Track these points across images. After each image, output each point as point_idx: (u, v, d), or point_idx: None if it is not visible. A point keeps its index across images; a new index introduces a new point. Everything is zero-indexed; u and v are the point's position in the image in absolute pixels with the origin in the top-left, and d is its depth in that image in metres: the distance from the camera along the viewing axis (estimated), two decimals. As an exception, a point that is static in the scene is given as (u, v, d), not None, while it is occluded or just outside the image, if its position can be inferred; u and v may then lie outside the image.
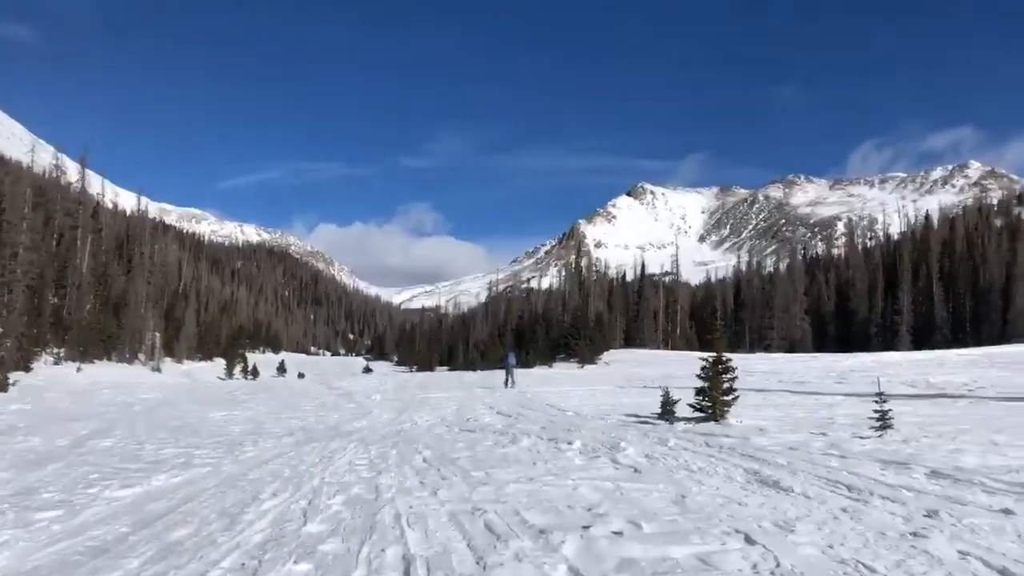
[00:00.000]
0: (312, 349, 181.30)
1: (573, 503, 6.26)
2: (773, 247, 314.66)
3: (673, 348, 67.14)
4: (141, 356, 56.54)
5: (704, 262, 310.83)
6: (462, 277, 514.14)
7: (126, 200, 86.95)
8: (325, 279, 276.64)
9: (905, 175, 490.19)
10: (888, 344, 56.47)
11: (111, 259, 57.83)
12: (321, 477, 7.99)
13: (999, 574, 4.23)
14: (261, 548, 5.15)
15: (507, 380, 27.88)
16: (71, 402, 21.29)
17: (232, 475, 8.35)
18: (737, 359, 13.24)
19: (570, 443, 9.93)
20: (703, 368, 12.38)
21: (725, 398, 12.21)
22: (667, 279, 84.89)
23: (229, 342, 78.26)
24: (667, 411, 12.69)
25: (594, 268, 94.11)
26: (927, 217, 73.36)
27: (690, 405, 12.49)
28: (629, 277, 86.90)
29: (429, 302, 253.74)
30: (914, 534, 4.98)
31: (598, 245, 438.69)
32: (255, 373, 60.78)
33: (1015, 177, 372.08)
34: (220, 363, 65.09)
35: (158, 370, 54.39)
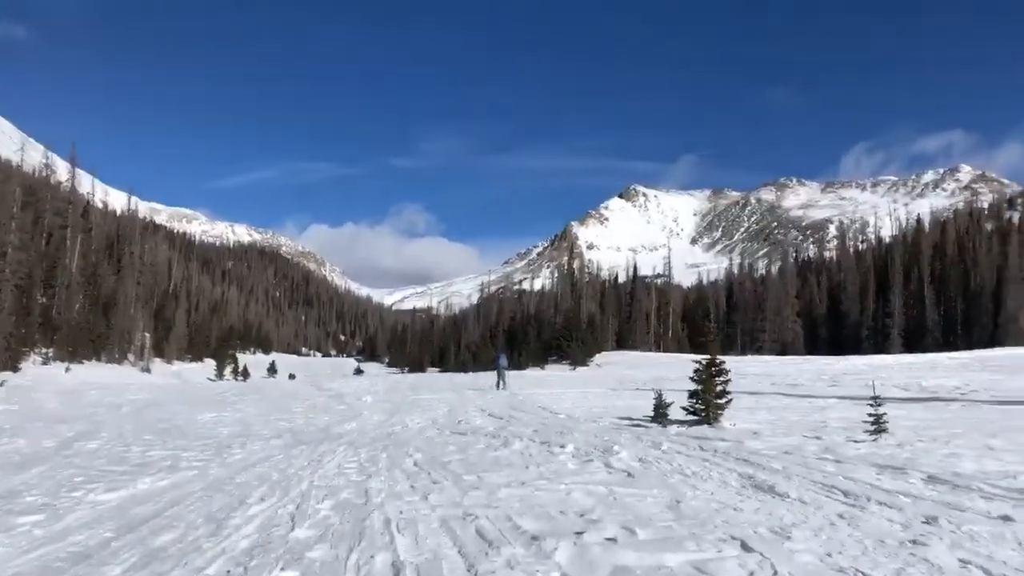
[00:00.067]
0: (303, 350, 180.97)
1: (566, 508, 6.16)
2: (765, 250, 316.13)
3: (665, 350, 67.23)
4: (130, 356, 56.23)
5: (696, 264, 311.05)
6: (454, 278, 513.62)
7: (116, 199, 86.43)
8: (316, 280, 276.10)
9: (896, 178, 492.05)
10: (879, 347, 56.68)
11: (101, 259, 57.53)
12: (310, 481, 7.86)
13: (1001, 583, 4.15)
14: (247, 554, 5.03)
15: (498, 382, 27.79)
16: (59, 403, 21.07)
17: (219, 478, 8.22)
18: (729, 361, 13.16)
19: (563, 446, 9.84)
20: (696, 371, 12.30)
21: (718, 401, 12.15)
22: (659, 281, 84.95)
23: (219, 343, 77.92)
24: (660, 414, 12.62)
25: (586, 270, 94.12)
26: (918, 220, 73.66)
27: (683, 408, 12.41)
28: (621, 279, 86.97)
29: (421, 303, 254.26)
30: (913, 541, 4.89)
31: (590, 247, 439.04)
32: (245, 374, 60.39)
33: (1005, 181, 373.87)
34: (210, 364, 64.65)
35: (147, 371, 54.08)
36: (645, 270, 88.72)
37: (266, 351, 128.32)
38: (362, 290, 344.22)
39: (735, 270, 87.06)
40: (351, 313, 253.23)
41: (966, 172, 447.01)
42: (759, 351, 62.96)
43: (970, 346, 48.23)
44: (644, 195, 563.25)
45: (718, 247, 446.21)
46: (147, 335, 61.82)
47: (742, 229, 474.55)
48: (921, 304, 59.95)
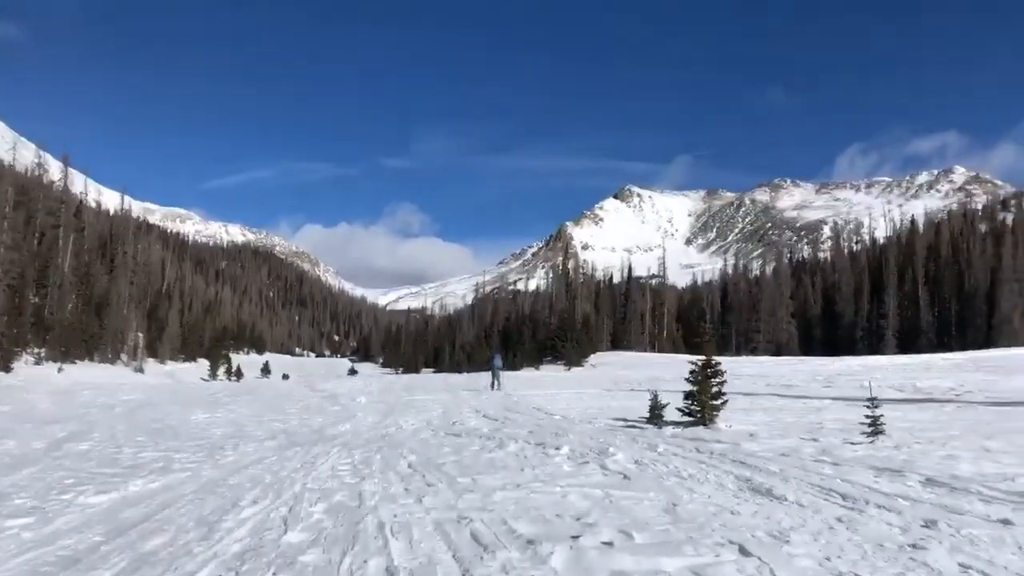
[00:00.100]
0: (297, 350, 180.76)
1: (562, 512, 6.10)
2: (759, 250, 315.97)
3: (659, 350, 67.23)
4: (124, 357, 56.02)
5: (691, 265, 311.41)
6: (448, 279, 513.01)
7: (109, 199, 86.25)
8: (310, 280, 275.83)
9: (891, 179, 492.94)
10: (874, 348, 56.76)
11: (94, 259, 57.30)
12: (303, 483, 7.79)
13: (1002, 589, 4.10)
14: (239, 559, 4.97)
15: (493, 382, 27.75)
16: (51, 403, 20.94)
17: (212, 480, 8.14)
18: (724, 362, 13.12)
19: (558, 448, 9.77)
20: (692, 372, 12.26)
21: (714, 402, 12.10)
22: (654, 282, 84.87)
23: (213, 343, 77.68)
24: (655, 415, 12.56)
25: (581, 270, 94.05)
26: (913, 222, 73.79)
27: (679, 409, 12.37)
28: (616, 279, 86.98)
29: (415, 303, 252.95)
30: (913, 546, 4.85)
31: (585, 247, 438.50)
32: (239, 374, 60.25)
33: (999, 182, 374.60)
34: (204, 364, 64.52)
35: (141, 371, 53.88)
36: (640, 271, 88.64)
37: (260, 351, 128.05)
38: (356, 290, 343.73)
39: (730, 271, 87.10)
40: (345, 313, 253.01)
41: (960, 173, 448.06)
42: (754, 352, 62.99)
43: (964, 347, 48.30)
44: (639, 195, 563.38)
45: (713, 248, 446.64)
46: (140, 335, 61.59)
47: (736, 230, 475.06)
48: (915, 305, 60.05)
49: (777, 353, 60.79)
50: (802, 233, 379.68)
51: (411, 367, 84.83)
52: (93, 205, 70.00)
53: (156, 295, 74.45)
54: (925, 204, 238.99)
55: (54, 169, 58.49)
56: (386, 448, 10.63)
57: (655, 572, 4.46)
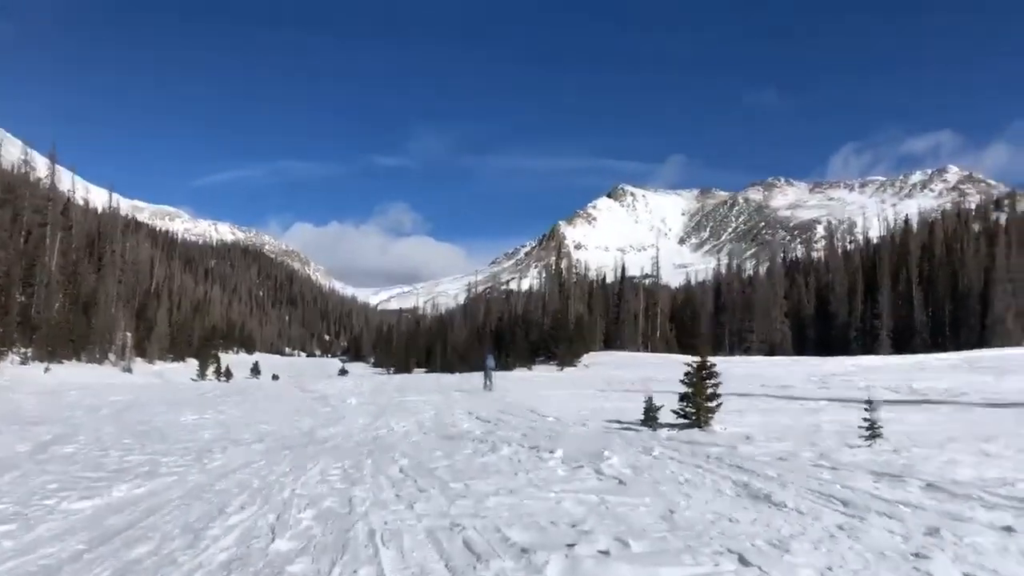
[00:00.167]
0: (287, 350, 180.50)
1: (556, 518, 5.97)
2: (753, 250, 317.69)
3: (653, 350, 67.20)
4: (111, 356, 55.64)
5: (684, 264, 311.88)
6: (440, 278, 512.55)
7: (97, 197, 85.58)
8: (300, 279, 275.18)
9: (884, 179, 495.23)
10: (868, 348, 56.85)
11: (81, 257, 56.89)
12: (292, 488, 7.64)
13: (1010, 600, 3.99)
14: (225, 568, 4.84)
15: (485, 383, 27.63)
16: (37, 404, 20.71)
17: (199, 485, 7.98)
18: (717, 362, 13.01)
19: (552, 452, 9.65)
20: (687, 374, 12.15)
21: (709, 404, 12.00)
22: (647, 281, 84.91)
23: (202, 342, 77.17)
24: (650, 417, 12.46)
25: (574, 270, 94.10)
26: (906, 221, 73.87)
27: (673, 411, 12.26)
28: (609, 279, 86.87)
29: (407, 303, 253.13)
30: (916, 555, 4.74)
31: (578, 247, 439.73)
32: (228, 374, 59.77)
33: (992, 182, 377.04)
34: (193, 364, 64.03)
35: (129, 371, 53.49)
36: (633, 270, 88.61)
37: (249, 351, 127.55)
38: (347, 290, 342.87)
39: (723, 270, 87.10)
40: (336, 313, 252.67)
41: (954, 173, 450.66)
42: (747, 352, 63.02)
43: (958, 347, 48.41)
44: (632, 195, 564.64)
45: (706, 247, 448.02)
46: (128, 335, 61.18)
47: (730, 229, 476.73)
48: (909, 305, 60.14)
49: (771, 353, 60.84)
50: (796, 232, 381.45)
51: (403, 367, 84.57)
52: (81, 203, 69.45)
53: (145, 294, 74.00)
54: (919, 204, 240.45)
55: (41, 166, 57.99)
56: (377, 452, 10.50)
57: (653, 583, 4.34)
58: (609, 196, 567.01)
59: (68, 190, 62.55)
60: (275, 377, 61.18)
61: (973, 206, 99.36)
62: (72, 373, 41.74)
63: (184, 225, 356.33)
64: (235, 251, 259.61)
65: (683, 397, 12.19)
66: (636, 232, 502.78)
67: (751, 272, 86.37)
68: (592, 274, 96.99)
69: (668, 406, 12.43)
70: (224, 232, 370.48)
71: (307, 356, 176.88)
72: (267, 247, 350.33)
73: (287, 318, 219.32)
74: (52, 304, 47.70)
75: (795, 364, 38.41)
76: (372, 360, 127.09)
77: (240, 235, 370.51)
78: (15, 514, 6.50)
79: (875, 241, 77.36)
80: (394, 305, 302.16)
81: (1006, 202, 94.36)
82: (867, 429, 9.49)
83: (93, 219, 69.24)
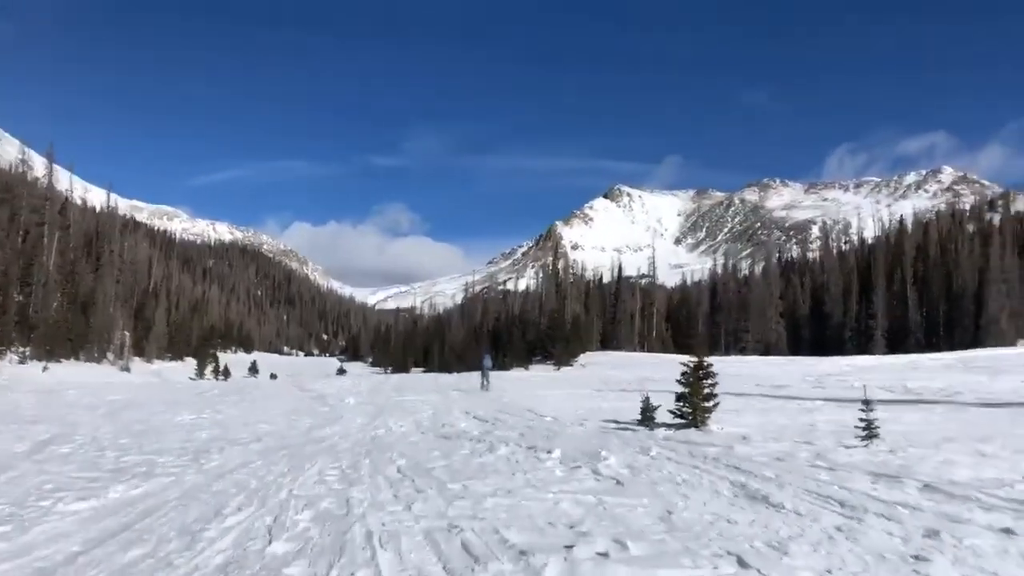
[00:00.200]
0: (285, 349, 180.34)
1: (554, 520, 5.96)
2: (748, 250, 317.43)
3: (649, 350, 67.22)
4: (110, 356, 55.53)
5: (680, 265, 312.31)
6: (438, 278, 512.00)
7: (96, 196, 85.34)
8: (298, 279, 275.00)
9: (879, 179, 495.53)
10: (862, 348, 56.92)
11: (79, 257, 56.74)
12: (289, 489, 7.61)
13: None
14: (221, 571, 4.82)
15: (483, 382, 27.63)
16: (34, 403, 20.62)
17: (195, 486, 7.95)
18: (713, 362, 12.99)
19: (549, 452, 9.63)
20: (683, 374, 12.14)
21: (706, 404, 11.99)
22: (643, 281, 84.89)
23: (200, 342, 77.07)
24: (647, 417, 12.46)
25: (571, 270, 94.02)
26: (901, 221, 74.01)
27: (670, 411, 12.26)
28: (606, 279, 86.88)
29: (404, 303, 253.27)
30: (916, 557, 4.73)
31: (575, 247, 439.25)
32: (226, 374, 59.75)
33: (986, 183, 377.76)
34: (191, 363, 64.00)
35: (127, 370, 53.38)
36: (629, 270, 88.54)
37: (248, 350, 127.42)
38: (345, 289, 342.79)
39: (719, 270, 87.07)
40: (334, 312, 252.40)
41: (948, 174, 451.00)
42: (743, 351, 63.07)
43: (952, 347, 48.51)
44: (628, 195, 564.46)
45: (702, 247, 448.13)
46: (127, 334, 61.10)
47: (726, 229, 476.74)
48: (904, 305, 60.25)
49: (766, 353, 60.89)
50: (791, 233, 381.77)
51: (400, 367, 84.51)
52: (79, 202, 69.22)
53: (143, 294, 73.84)
54: (913, 204, 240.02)
55: (39, 166, 57.83)
56: (375, 452, 10.47)
57: (652, 586, 4.33)
58: (606, 196, 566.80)
59: (66, 189, 62.41)
60: (273, 376, 61.10)
61: (967, 207, 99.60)
62: (70, 372, 41.66)
63: (182, 225, 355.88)
64: (233, 251, 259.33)
65: (680, 397, 12.18)
66: (632, 232, 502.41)
67: (747, 272, 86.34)
68: (589, 274, 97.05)
69: (665, 406, 12.43)
70: (222, 232, 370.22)
71: (305, 355, 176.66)
72: (265, 247, 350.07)
73: (285, 318, 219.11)
74: (50, 303, 47.61)
75: (790, 364, 38.44)
76: (370, 360, 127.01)
77: (238, 235, 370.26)
78: (11, 515, 6.46)
79: (870, 241, 77.44)
80: (392, 305, 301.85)
81: (1000, 203, 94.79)
82: (864, 429, 9.48)
83: (91, 218, 69.06)
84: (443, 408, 18.43)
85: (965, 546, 4.92)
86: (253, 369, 67.79)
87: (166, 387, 34.10)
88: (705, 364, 12.13)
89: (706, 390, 12.04)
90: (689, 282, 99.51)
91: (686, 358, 12.40)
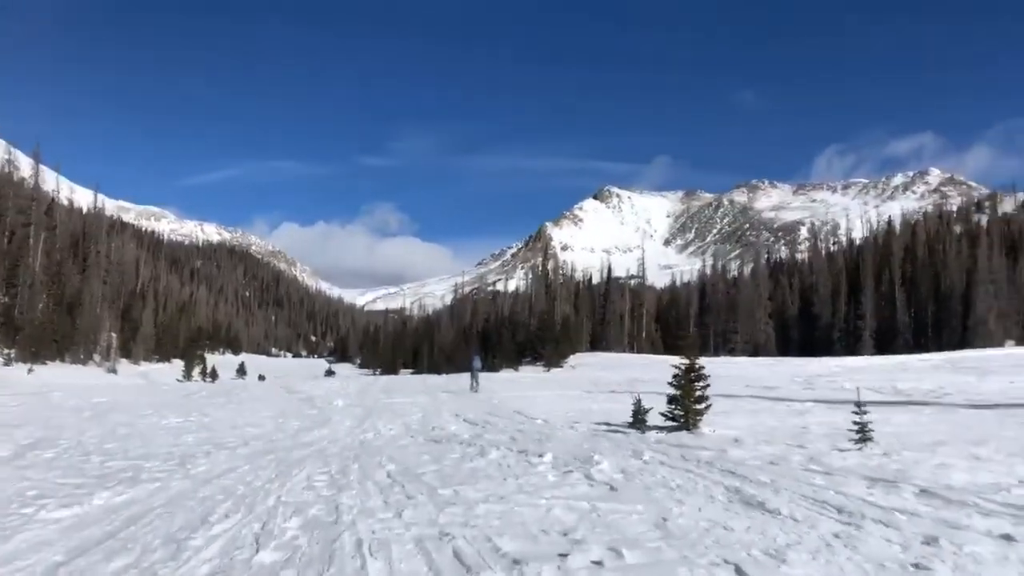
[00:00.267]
0: (273, 351, 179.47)
1: (547, 527, 5.86)
2: (737, 251, 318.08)
3: (639, 351, 67.23)
4: (96, 357, 55.11)
5: (669, 266, 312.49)
6: (427, 279, 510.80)
7: (82, 197, 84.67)
8: (287, 280, 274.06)
9: (867, 181, 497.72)
10: (851, 349, 57.09)
11: (65, 257, 56.30)
12: (277, 495, 7.48)
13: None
14: (207, 582, 4.69)
15: (472, 384, 27.50)
16: (19, 406, 20.36)
17: (182, 492, 7.80)
18: (703, 363, 12.92)
19: (541, 456, 9.53)
20: (675, 376, 12.07)
21: (697, 407, 11.93)
22: (633, 282, 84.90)
23: (188, 343, 76.51)
24: (639, 420, 12.39)
25: (560, 271, 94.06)
26: (889, 223, 74.36)
27: (662, 414, 12.19)
28: (595, 280, 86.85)
29: (393, 304, 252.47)
30: (915, 565, 4.66)
31: (564, 248, 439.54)
32: (214, 375, 59.32)
33: (974, 184, 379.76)
34: (178, 365, 63.50)
35: (114, 372, 52.95)
36: (619, 271, 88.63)
37: (235, 352, 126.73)
38: (333, 290, 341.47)
39: (708, 271, 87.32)
40: (322, 314, 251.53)
41: (935, 175, 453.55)
42: (732, 352, 63.15)
43: (940, 348, 48.71)
44: (618, 196, 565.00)
45: (691, 248, 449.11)
46: (113, 335, 60.63)
47: (715, 231, 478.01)
48: (892, 306, 60.50)
49: (755, 354, 60.97)
50: (780, 234, 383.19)
51: (389, 368, 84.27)
52: (65, 203, 68.66)
53: (130, 295, 73.30)
54: (901, 205, 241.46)
55: (25, 166, 57.38)
56: (364, 456, 10.34)
57: (649, 596, 4.23)
58: (595, 197, 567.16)
59: (52, 190, 61.96)
60: (261, 378, 60.78)
61: (955, 208, 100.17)
62: (56, 374, 41.27)
63: (170, 225, 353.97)
64: (221, 251, 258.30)
65: (672, 399, 12.11)
66: (622, 233, 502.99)
67: (735, 273, 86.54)
68: (578, 275, 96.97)
69: (655, 408, 12.36)
70: (210, 232, 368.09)
71: (294, 357, 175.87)
72: (253, 247, 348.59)
73: (273, 319, 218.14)
74: (36, 305, 47.19)
75: (779, 365, 38.49)
76: (359, 361, 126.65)
77: (226, 235, 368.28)
78: (-8, 523, 6.32)
79: (858, 243, 77.81)
80: (380, 306, 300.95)
81: (987, 204, 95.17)
82: (857, 432, 9.43)
83: (78, 219, 68.54)
84: (432, 410, 18.30)
85: (965, 553, 4.86)
86: (241, 371, 67.46)
87: (153, 389, 33.82)
88: (697, 366, 12.06)
89: (698, 392, 11.97)
90: (678, 283, 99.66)
91: (676, 359, 12.34)
